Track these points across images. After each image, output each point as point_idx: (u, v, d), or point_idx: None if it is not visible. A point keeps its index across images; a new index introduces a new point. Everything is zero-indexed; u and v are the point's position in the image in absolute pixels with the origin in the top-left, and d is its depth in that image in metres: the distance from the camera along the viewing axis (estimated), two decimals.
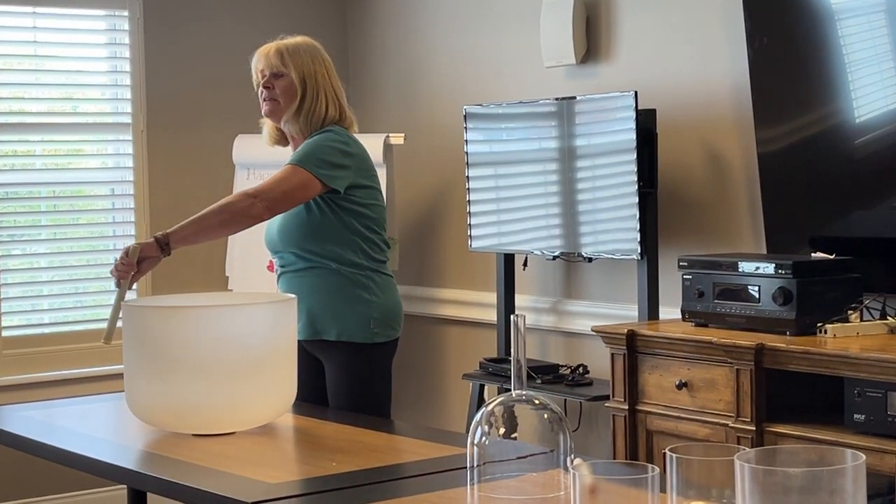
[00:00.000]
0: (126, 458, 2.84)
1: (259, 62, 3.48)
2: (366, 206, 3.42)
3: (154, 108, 5.20)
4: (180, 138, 5.26)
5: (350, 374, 3.41)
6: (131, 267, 3.20)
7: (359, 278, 3.41)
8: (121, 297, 3.14)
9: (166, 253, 3.23)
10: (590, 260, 4.30)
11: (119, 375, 3.05)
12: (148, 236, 5.12)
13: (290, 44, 3.47)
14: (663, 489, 1.88)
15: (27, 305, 5.06)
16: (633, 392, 3.66)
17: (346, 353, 3.40)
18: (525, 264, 4.65)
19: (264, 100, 3.47)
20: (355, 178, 3.38)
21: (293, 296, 3.16)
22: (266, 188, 3.31)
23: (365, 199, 3.41)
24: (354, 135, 3.50)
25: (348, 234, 3.39)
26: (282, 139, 3.58)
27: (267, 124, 3.57)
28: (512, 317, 2.12)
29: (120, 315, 3.02)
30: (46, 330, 5.06)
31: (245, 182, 5.11)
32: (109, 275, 3.25)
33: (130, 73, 5.15)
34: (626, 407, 3.67)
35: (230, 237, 5.07)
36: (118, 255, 3.23)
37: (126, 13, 5.13)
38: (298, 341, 3.12)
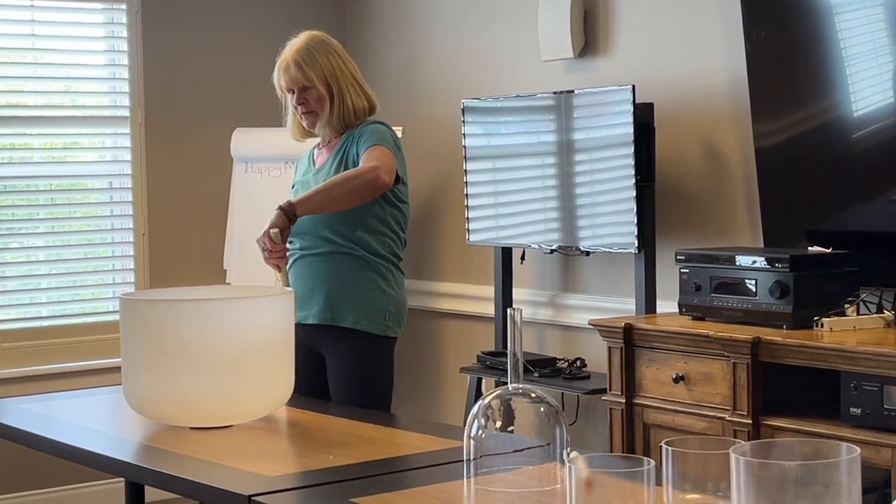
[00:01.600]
0: (124, 451, 2.84)
1: (281, 79, 3.50)
2: (401, 201, 3.50)
3: (152, 101, 5.19)
4: (178, 132, 5.26)
5: (358, 363, 3.43)
6: (283, 248, 3.30)
7: (381, 269, 3.45)
8: (286, 281, 3.29)
9: (293, 221, 3.31)
10: (587, 254, 4.31)
11: (117, 369, 3.05)
12: (146, 229, 5.16)
13: (303, 50, 3.47)
14: (659, 482, 1.89)
15: (25, 298, 5.06)
16: (630, 385, 3.67)
17: (358, 342, 3.42)
18: (523, 258, 4.65)
19: (302, 114, 3.50)
20: (401, 172, 3.44)
21: (291, 289, 3.17)
22: (380, 161, 3.33)
23: (402, 195, 3.50)
24: None
25: (380, 224, 3.44)
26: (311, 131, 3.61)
27: (295, 122, 3.58)
28: (509, 311, 2.13)
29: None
30: (44, 323, 5.06)
31: (243, 175, 5.11)
32: (266, 264, 3.35)
33: (128, 66, 5.15)
34: (623, 400, 3.67)
35: (228, 230, 5.08)
36: (263, 245, 3.29)
37: (124, 6, 5.13)
38: (297, 335, 3.13)
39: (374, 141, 3.39)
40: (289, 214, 3.29)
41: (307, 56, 3.47)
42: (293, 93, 3.49)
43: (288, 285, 3.28)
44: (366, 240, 3.43)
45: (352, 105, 3.49)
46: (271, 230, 3.27)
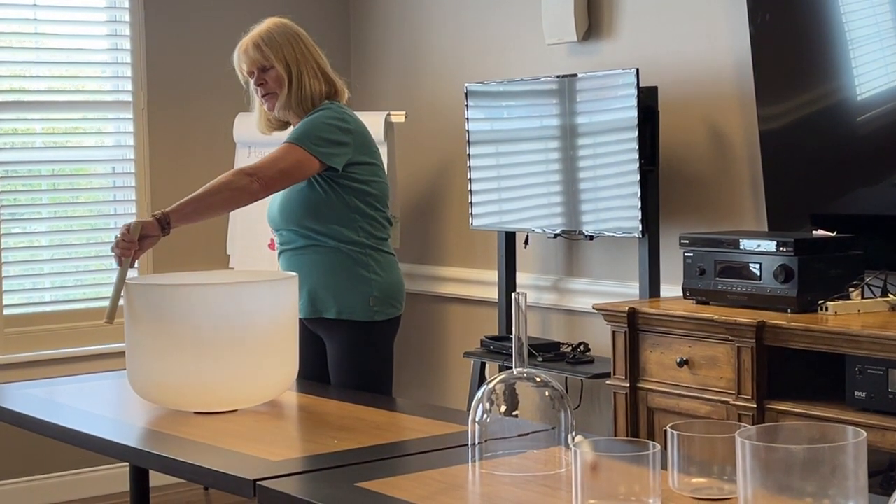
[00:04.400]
0: (128, 435, 2.84)
1: (242, 62, 3.47)
2: (366, 182, 3.41)
3: (154, 85, 5.19)
4: (181, 116, 5.25)
5: (350, 352, 3.42)
6: (133, 244, 3.15)
7: (359, 256, 3.41)
8: (123, 275, 3.07)
9: (166, 232, 3.20)
10: (591, 238, 4.30)
11: (121, 353, 3.05)
12: (148, 215, 5.15)
13: (264, 33, 3.45)
14: (664, 466, 1.89)
15: (28, 284, 5.06)
16: (635, 370, 3.66)
17: (347, 331, 3.40)
18: (526, 242, 4.65)
19: (262, 96, 3.47)
20: (354, 154, 3.37)
21: (294, 274, 3.16)
22: (262, 166, 3.31)
23: (365, 175, 3.40)
24: (352, 110, 3.50)
25: (349, 211, 3.39)
26: (282, 125, 3.58)
27: (262, 115, 3.56)
28: (513, 295, 2.12)
29: (122, 293, 2.99)
30: (48, 308, 5.06)
31: (245, 160, 5.10)
32: (110, 252, 3.20)
33: (131, 50, 5.14)
34: (628, 384, 3.67)
35: (232, 215, 5.07)
36: (118, 233, 3.18)
37: None
38: (300, 319, 3.12)
39: (291, 138, 3.34)
40: (162, 223, 3.19)
41: (267, 37, 3.44)
42: (253, 76, 3.46)
43: (124, 276, 3.05)
44: (338, 230, 3.39)
45: (310, 89, 3.43)
46: (132, 223, 3.15)
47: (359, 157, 3.39)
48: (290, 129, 3.55)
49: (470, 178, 4.65)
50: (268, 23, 3.50)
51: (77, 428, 2.85)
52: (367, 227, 3.42)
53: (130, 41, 5.14)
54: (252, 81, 3.48)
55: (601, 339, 4.23)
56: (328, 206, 3.37)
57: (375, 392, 3.34)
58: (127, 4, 5.13)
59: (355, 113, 3.49)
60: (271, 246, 4.96)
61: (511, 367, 2.16)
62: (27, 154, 5.06)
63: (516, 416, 2.18)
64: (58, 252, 5.11)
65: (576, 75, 4.25)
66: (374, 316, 3.41)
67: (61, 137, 5.15)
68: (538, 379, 2.16)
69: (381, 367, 3.46)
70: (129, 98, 5.15)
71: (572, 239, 4.54)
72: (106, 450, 2.79)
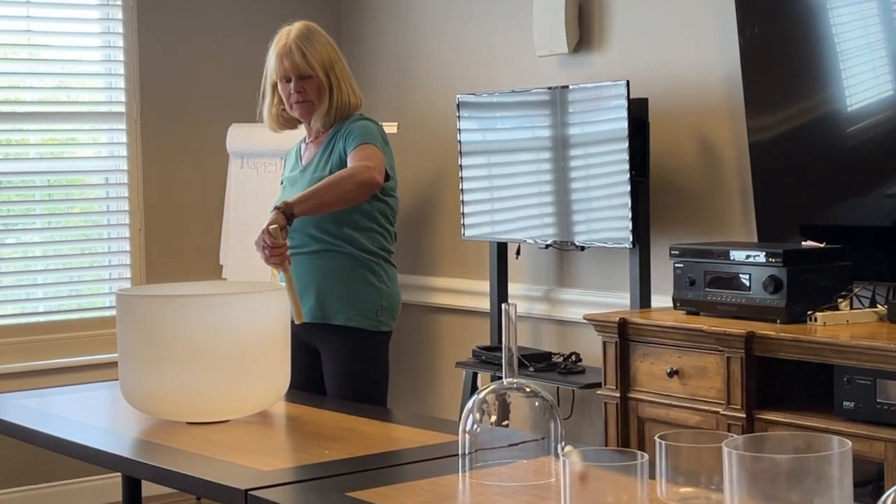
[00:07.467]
0: (120, 445, 2.85)
1: (281, 65, 3.45)
2: (389, 196, 3.49)
3: (148, 97, 5.20)
4: (174, 127, 5.26)
5: (352, 360, 3.43)
6: (284, 247, 3.23)
7: (371, 264, 3.45)
8: (290, 277, 3.24)
9: (291, 222, 3.27)
10: (582, 248, 4.32)
11: (113, 364, 3.06)
12: (141, 225, 5.16)
13: (303, 37, 3.45)
14: (653, 476, 1.90)
15: (22, 294, 5.07)
16: (625, 380, 3.68)
17: (351, 338, 3.42)
18: (518, 253, 4.66)
19: (296, 102, 3.46)
20: (388, 167, 3.44)
21: (285, 284, 3.18)
22: (372, 161, 3.32)
23: (389, 189, 3.48)
24: None
25: (367, 220, 3.44)
26: (293, 124, 3.58)
27: (274, 113, 3.55)
28: (503, 305, 2.13)
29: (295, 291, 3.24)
30: (41, 318, 5.07)
31: (239, 171, 5.11)
32: (266, 263, 3.29)
33: (124, 61, 5.16)
34: (618, 394, 3.68)
35: (224, 224, 5.08)
36: (264, 241, 3.20)
37: (119, 2, 5.13)
38: (293, 330, 3.14)
39: (364, 139, 3.37)
40: (286, 214, 3.23)
41: (308, 43, 3.45)
42: (289, 80, 3.47)
43: (292, 278, 3.24)
44: (354, 236, 3.42)
45: (347, 99, 3.48)
46: (270, 227, 3.20)
47: (389, 171, 3.44)
48: (302, 127, 3.57)
49: (462, 189, 4.67)
50: (302, 26, 3.49)
51: (70, 438, 2.86)
52: (380, 238, 3.47)
53: (124, 52, 5.15)
54: (283, 87, 3.47)
55: (592, 350, 4.24)
56: (350, 212, 3.40)
57: (372, 401, 3.36)
58: (120, 16, 5.14)
59: None
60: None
61: (502, 378, 2.17)
62: (21, 165, 5.07)
63: (507, 426, 2.20)
64: (51, 262, 5.12)
65: (567, 87, 4.27)
66: (378, 326, 3.44)
67: (55, 148, 5.17)
68: (529, 389, 2.17)
69: (379, 378, 3.49)
70: (122, 109, 5.17)
71: (564, 249, 4.56)
72: (98, 460, 2.80)
